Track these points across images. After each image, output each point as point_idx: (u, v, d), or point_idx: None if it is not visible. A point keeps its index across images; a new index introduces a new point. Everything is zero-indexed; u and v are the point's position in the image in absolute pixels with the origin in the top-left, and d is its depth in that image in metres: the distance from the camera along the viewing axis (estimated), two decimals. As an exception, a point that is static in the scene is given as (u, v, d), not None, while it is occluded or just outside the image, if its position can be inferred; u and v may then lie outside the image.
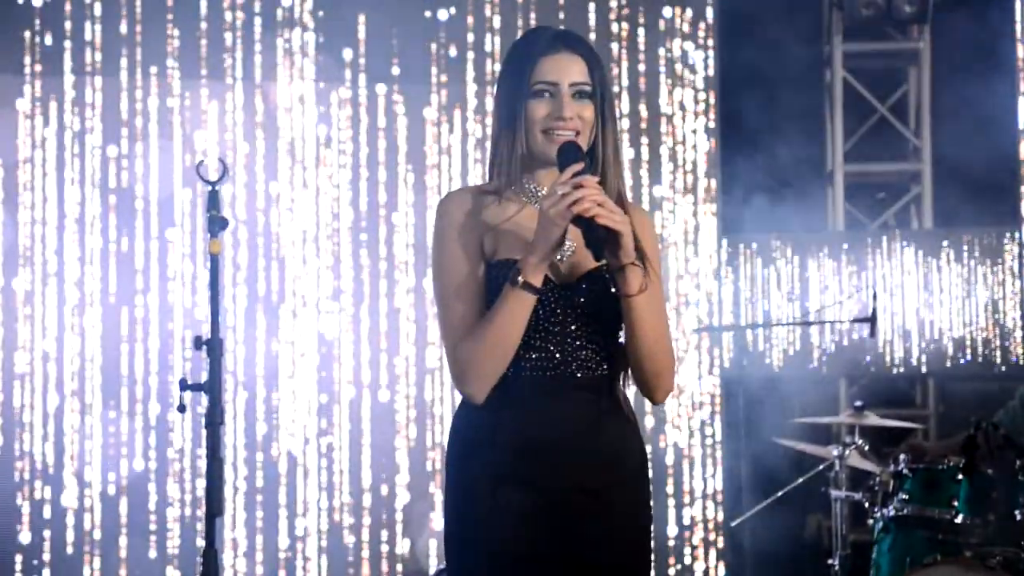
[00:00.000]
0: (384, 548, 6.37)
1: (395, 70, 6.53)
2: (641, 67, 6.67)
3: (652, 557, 2.83)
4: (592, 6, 6.62)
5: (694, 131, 6.71)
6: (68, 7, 6.32)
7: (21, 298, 6.26)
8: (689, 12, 6.68)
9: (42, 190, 6.30)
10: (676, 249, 6.67)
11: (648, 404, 6.58)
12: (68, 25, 6.33)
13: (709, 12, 6.70)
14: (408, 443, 6.38)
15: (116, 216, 6.34)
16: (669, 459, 6.60)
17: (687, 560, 6.57)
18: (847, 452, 5.15)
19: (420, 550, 6.35)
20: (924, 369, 6.90)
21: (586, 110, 2.71)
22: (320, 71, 6.48)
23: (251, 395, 6.37)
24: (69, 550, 6.21)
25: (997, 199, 6.93)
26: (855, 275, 6.85)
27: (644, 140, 6.67)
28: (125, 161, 6.35)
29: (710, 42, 6.71)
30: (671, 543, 6.57)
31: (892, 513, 4.89)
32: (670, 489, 6.59)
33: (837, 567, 5.14)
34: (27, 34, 6.30)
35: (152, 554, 6.25)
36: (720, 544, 6.59)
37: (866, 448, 5.24)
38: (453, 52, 6.56)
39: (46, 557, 6.19)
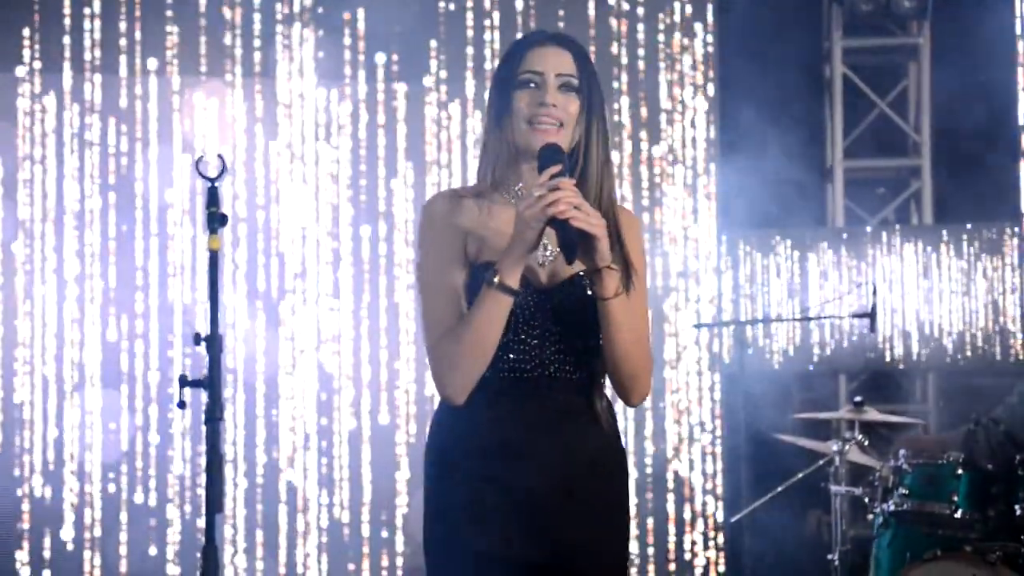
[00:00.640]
0: (384, 544, 6.37)
1: (395, 66, 6.53)
2: (640, 63, 6.66)
3: (628, 558, 2.81)
4: (592, 2, 6.62)
5: (694, 126, 6.71)
6: (67, 4, 6.32)
7: (21, 295, 6.26)
8: (689, 8, 6.68)
9: (41, 186, 6.30)
10: (675, 245, 6.66)
11: (649, 401, 6.58)
12: (67, 22, 6.32)
13: (709, 8, 6.70)
14: (408, 439, 6.38)
15: (116, 213, 6.34)
16: (669, 454, 6.60)
17: (687, 556, 6.57)
18: (847, 447, 5.15)
19: (420, 546, 6.34)
20: (924, 364, 6.90)
21: (571, 103, 2.70)
22: (319, 67, 6.47)
23: (251, 392, 6.37)
24: (69, 547, 6.21)
25: (997, 194, 6.93)
26: (855, 270, 6.85)
27: (643, 135, 6.67)
28: (124, 158, 6.35)
29: (710, 38, 6.70)
30: (671, 539, 6.57)
31: (892, 508, 4.89)
32: (670, 485, 6.59)
33: (837, 562, 5.14)
34: (26, 31, 6.30)
35: (152, 551, 6.25)
36: (720, 540, 6.59)
37: (866, 443, 5.24)
38: (453, 48, 6.56)
39: (46, 554, 6.19)
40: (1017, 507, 4.73)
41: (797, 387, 6.67)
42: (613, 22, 6.65)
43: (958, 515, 4.79)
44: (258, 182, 6.43)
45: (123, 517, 6.24)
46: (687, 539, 6.58)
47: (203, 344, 2.70)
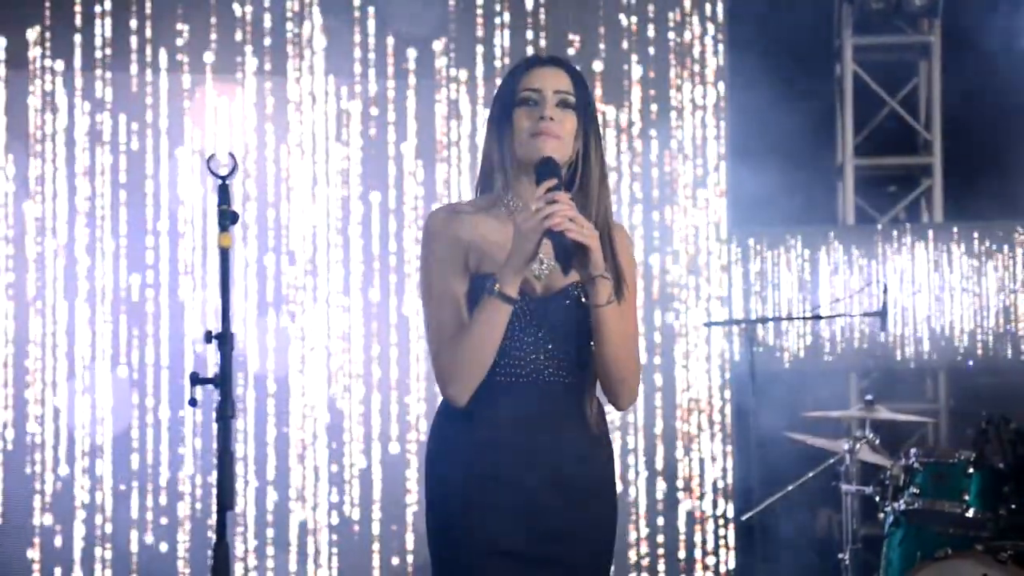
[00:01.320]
0: (394, 542, 6.37)
1: (405, 64, 6.53)
2: (651, 61, 6.66)
3: (613, 546, 3.00)
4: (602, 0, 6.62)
5: (704, 124, 6.70)
6: (78, 1, 6.32)
7: (32, 293, 6.27)
8: (699, 6, 6.67)
9: (52, 184, 6.31)
10: (686, 243, 6.66)
11: (658, 399, 6.58)
12: (78, 20, 6.33)
13: (720, 5, 6.69)
14: (418, 437, 6.39)
15: (126, 210, 6.34)
16: (679, 453, 6.60)
17: (697, 554, 6.57)
18: (858, 446, 5.14)
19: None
20: (935, 363, 6.88)
21: (568, 119, 2.86)
22: (330, 65, 6.48)
23: (261, 389, 6.37)
24: (80, 544, 6.22)
25: (1008, 192, 6.92)
26: (865, 269, 6.84)
27: (653, 133, 6.66)
28: (135, 156, 6.35)
29: (720, 35, 6.70)
30: (682, 537, 6.57)
31: (903, 507, 4.88)
32: (680, 483, 6.59)
33: (848, 561, 5.13)
34: (37, 28, 6.31)
35: (163, 547, 6.26)
36: (730, 538, 6.59)
37: (877, 442, 5.23)
38: (464, 46, 6.55)
39: (58, 551, 6.20)
40: (1028, 506, 4.71)
41: (807, 386, 6.66)
42: (623, 19, 6.64)
43: (969, 514, 4.78)
44: (268, 180, 6.43)
45: (134, 514, 6.25)
46: (697, 538, 6.58)
47: (214, 342, 2.70)
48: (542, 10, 6.60)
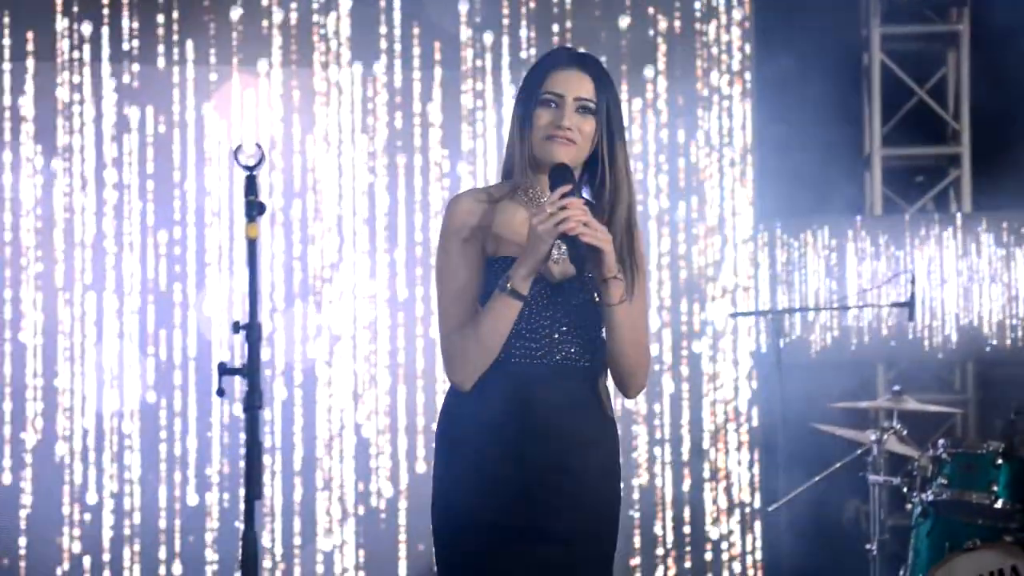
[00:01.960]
0: (420, 531, 6.38)
1: (430, 55, 6.53)
2: (677, 51, 6.64)
3: (617, 526, 3.03)
4: (628, -10, 6.60)
5: (730, 115, 6.68)
6: (105, -6, 6.35)
7: (61, 284, 6.30)
8: (725, -5, 6.65)
9: (80, 176, 6.34)
10: (712, 233, 6.64)
11: (684, 389, 6.57)
12: (106, 12, 6.35)
13: (746, -5, 6.67)
14: (444, 428, 6.39)
15: (154, 202, 6.37)
16: (706, 444, 6.59)
17: (723, 545, 6.56)
18: (885, 437, 5.12)
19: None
20: (963, 353, 6.85)
21: (587, 124, 2.93)
22: (355, 56, 6.48)
23: (289, 379, 6.39)
24: (109, 533, 6.25)
25: (1037, 182, 6.87)
26: (893, 259, 6.81)
27: (680, 124, 6.65)
28: (162, 147, 6.37)
29: (747, 25, 6.67)
30: (708, 528, 6.56)
31: (931, 498, 4.87)
32: (706, 474, 6.58)
33: (875, 552, 5.12)
34: (65, 21, 6.33)
35: (191, 537, 6.29)
36: (757, 529, 6.58)
37: (904, 433, 5.21)
38: (489, 38, 6.55)
39: (88, 540, 6.24)
40: (1058, 497, 4.69)
41: (835, 376, 6.63)
42: (649, 9, 6.62)
43: (998, 505, 4.76)
44: (295, 171, 6.45)
45: (162, 504, 6.28)
46: (724, 528, 6.57)
47: (242, 332, 2.71)
48: (568, 1, 6.58)
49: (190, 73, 6.41)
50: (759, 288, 6.75)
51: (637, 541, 6.52)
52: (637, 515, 6.52)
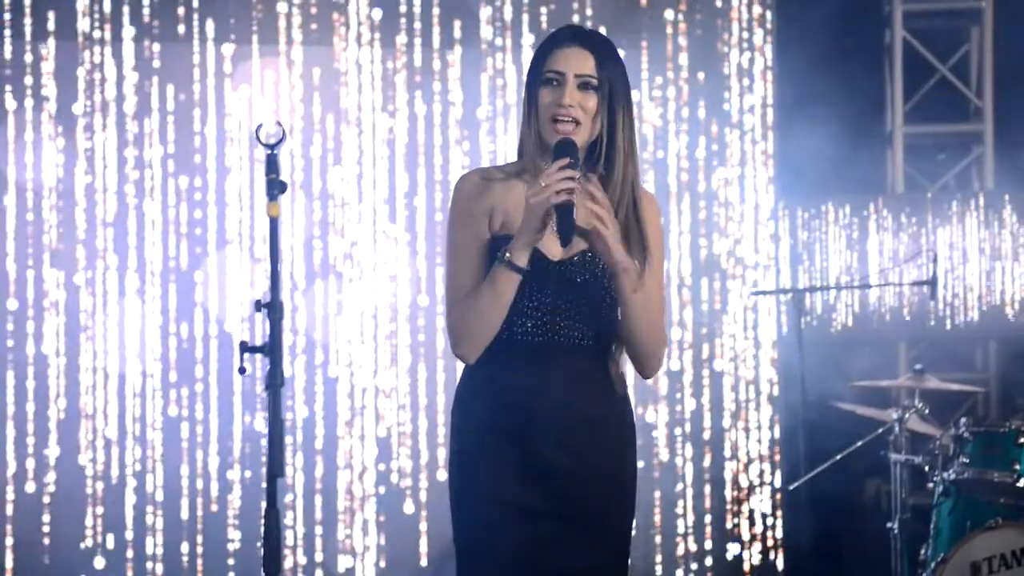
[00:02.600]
0: (441, 510, 6.40)
1: (450, 33, 6.52)
2: (699, 31, 6.61)
3: (633, 519, 3.05)
4: (649, -33, 6.57)
5: (751, 92, 6.66)
6: (126, -27, 6.35)
7: (83, 263, 6.32)
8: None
9: (102, 157, 6.35)
10: (733, 211, 6.63)
11: (705, 369, 6.57)
12: (126, -9, 6.36)
13: (767, -28, 6.64)
14: (465, 406, 6.40)
15: (175, 180, 6.38)
16: (726, 423, 6.59)
17: (744, 523, 6.56)
18: (907, 416, 5.11)
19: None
20: (985, 332, 6.83)
21: (589, 101, 2.93)
22: (376, 35, 6.47)
23: (310, 358, 6.41)
24: (132, 512, 6.29)
25: (1060, 159, 6.84)
26: (915, 237, 6.78)
27: (701, 103, 6.63)
28: (183, 126, 6.38)
29: (768, 1, 6.64)
30: (729, 506, 6.57)
31: (953, 477, 4.85)
32: (728, 453, 6.58)
33: (897, 531, 5.11)
34: (86, 0, 6.34)
35: (214, 508, 6.32)
36: (778, 508, 6.58)
37: (926, 411, 5.20)
38: (508, 15, 6.53)
39: (110, 519, 6.27)
40: (1080, 476, 4.67)
41: (856, 355, 6.62)
42: (670, -13, 6.60)
43: (1020, 483, 4.74)
44: (314, 150, 6.45)
45: (184, 482, 6.31)
46: (745, 507, 6.57)
47: (264, 311, 2.72)
48: (588, -22, 6.56)
49: (210, 51, 6.41)
50: (780, 267, 6.73)
51: (658, 519, 6.53)
52: (658, 493, 6.53)
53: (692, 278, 6.59)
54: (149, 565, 6.28)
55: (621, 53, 3.05)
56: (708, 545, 6.55)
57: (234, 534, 6.33)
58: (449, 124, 6.52)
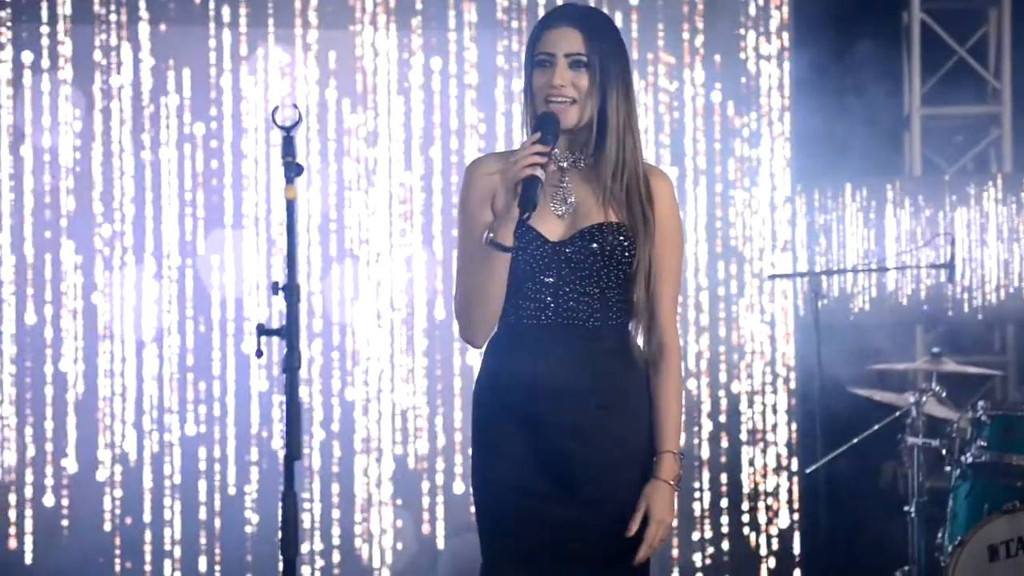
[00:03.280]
0: (458, 494, 6.41)
1: (465, 16, 6.51)
2: (714, 10, 6.59)
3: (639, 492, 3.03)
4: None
5: (769, 75, 6.63)
6: (141, -44, 6.35)
7: (99, 245, 6.33)
8: (764, -46, 6.59)
9: (118, 138, 6.36)
10: (749, 194, 6.61)
11: (722, 351, 6.56)
12: (142, -26, 6.36)
13: (784, -47, 6.61)
14: (481, 390, 6.40)
15: (191, 163, 6.39)
16: (743, 406, 6.58)
17: (761, 506, 6.56)
18: (924, 399, 5.10)
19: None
20: (1003, 315, 6.80)
21: (581, 79, 2.92)
22: (392, 18, 6.46)
23: (327, 341, 6.42)
24: (149, 495, 6.31)
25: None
26: (932, 220, 6.76)
27: (718, 85, 6.60)
28: (199, 109, 6.38)
29: (785, -16, 6.62)
30: (745, 490, 6.56)
31: (970, 460, 4.84)
32: (744, 436, 6.57)
33: (914, 514, 5.11)
34: (102, -16, 6.34)
35: (231, 491, 6.34)
36: (794, 491, 6.57)
37: (943, 395, 5.19)
38: (524, -2, 6.52)
39: (127, 502, 6.29)
40: (1099, 459, 4.66)
41: (873, 338, 6.60)
42: (687, -31, 6.57)
43: (1038, 467, 4.73)
44: (330, 133, 6.45)
45: (202, 465, 6.33)
46: (761, 490, 6.57)
47: (281, 293, 2.72)
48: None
49: (226, 35, 6.40)
50: (796, 249, 6.72)
51: (675, 503, 6.51)
52: (674, 477, 6.51)
53: (709, 261, 6.57)
54: (167, 547, 6.30)
55: (632, 32, 3.05)
56: (724, 529, 6.55)
57: (253, 517, 6.35)
58: (465, 107, 6.51)
